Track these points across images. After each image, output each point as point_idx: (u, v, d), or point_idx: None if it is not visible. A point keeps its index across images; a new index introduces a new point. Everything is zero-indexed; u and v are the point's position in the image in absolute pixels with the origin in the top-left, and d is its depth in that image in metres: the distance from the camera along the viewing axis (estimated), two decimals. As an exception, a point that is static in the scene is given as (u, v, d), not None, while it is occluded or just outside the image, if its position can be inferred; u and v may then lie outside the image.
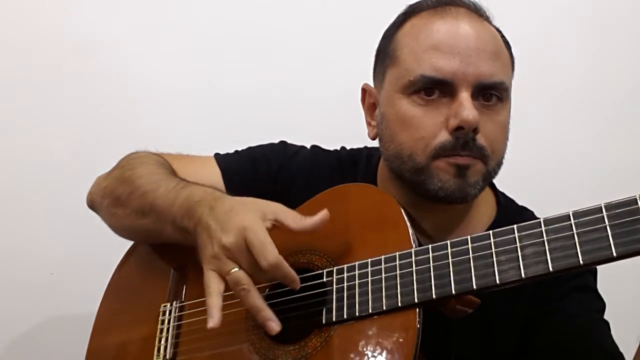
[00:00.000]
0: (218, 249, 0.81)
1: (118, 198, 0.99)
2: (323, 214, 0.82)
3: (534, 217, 0.96)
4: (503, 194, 1.01)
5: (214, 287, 0.81)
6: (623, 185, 1.35)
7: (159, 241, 1.00)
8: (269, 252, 0.78)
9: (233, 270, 0.79)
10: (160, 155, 1.06)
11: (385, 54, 0.94)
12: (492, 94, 0.87)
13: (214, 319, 0.78)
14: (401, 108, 0.88)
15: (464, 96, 0.84)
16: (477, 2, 0.92)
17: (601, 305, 0.93)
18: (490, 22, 0.92)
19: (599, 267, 0.93)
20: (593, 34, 1.59)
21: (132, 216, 0.98)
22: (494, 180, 0.99)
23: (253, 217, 0.81)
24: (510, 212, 0.98)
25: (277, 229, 0.95)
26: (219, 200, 0.86)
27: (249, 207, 0.83)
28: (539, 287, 0.90)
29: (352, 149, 1.09)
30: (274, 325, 0.78)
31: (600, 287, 0.94)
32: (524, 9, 1.55)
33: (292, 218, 0.83)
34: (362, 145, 1.09)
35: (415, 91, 0.87)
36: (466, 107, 0.83)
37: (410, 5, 0.95)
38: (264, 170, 1.04)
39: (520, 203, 1.02)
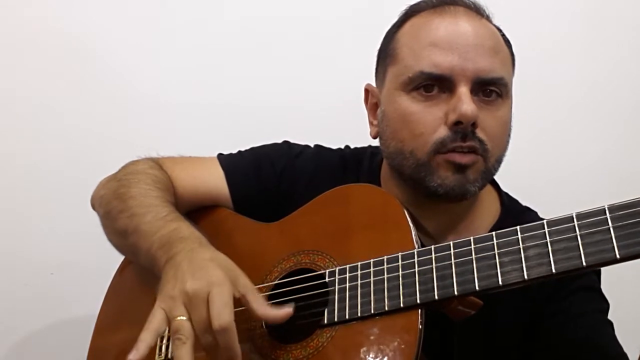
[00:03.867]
0: (178, 292, 0.78)
1: (109, 212, 0.99)
2: (287, 311, 0.80)
3: (538, 217, 0.96)
4: (507, 194, 1.01)
5: (154, 325, 0.77)
6: (627, 187, 1.35)
7: (136, 262, 0.99)
8: (226, 315, 0.75)
9: (179, 318, 0.76)
10: (160, 162, 1.06)
11: (386, 53, 0.95)
12: (492, 89, 0.87)
13: (138, 352, 0.74)
14: (401, 105, 0.89)
15: (463, 91, 0.85)
16: (477, 1, 0.93)
17: (605, 305, 0.92)
18: (489, 21, 0.93)
19: (602, 268, 0.93)
20: (594, 33, 1.59)
21: (116, 234, 0.99)
22: (499, 182, 1.00)
23: (226, 279, 0.79)
24: (514, 212, 0.98)
25: (279, 231, 0.95)
26: (204, 246, 0.85)
27: (228, 269, 0.81)
28: (542, 288, 0.90)
29: (356, 148, 1.10)
30: None
31: (604, 288, 0.94)
32: (526, 9, 1.55)
33: (258, 303, 0.80)
34: (366, 145, 1.09)
35: (415, 88, 0.88)
36: (464, 102, 0.84)
37: (411, 6, 0.96)
38: (268, 171, 1.04)
39: (524, 204, 1.01)
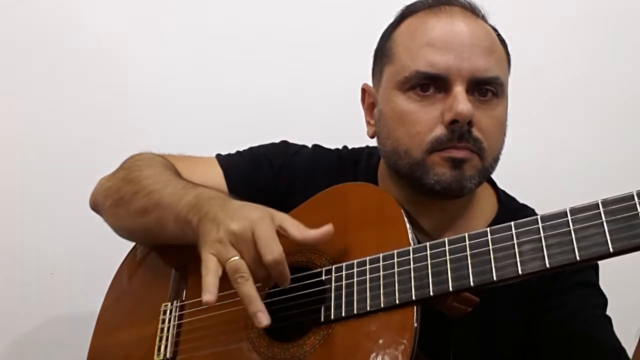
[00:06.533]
0: (224, 234, 0.79)
1: (122, 198, 0.99)
2: (328, 228, 0.82)
3: (535, 214, 0.96)
4: (504, 192, 1.02)
5: (212, 267, 0.78)
6: (623, 186, 1.35)
7: (157, 241, 1.00)
8: (276, 247, 0.77)
9: (234, 258, 0.78)
10: (163, 156, 1.07)
11: (383, 53, 0.95)
12: (487, 89, 0.88)
13: (211, 294, 0.76)
14: (397, 104, 0.89)
15: (458, 90, 0.85)
16: (473, 1, 0.94)
17: (603, 300, 0.93)
18: (485, 20, 0.94)
19: (600, 263, 0.93)
20: (589, 32, 1.59)
21: (134, 215, 0.98)
22: (495, 179, 1.00)
23: (263, 215, 0.81)
24: (511, 209, 0.98)
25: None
26: (231, 200, 0.86)
27: (260, 208, 0.83)
28: (540, 284, 0.90)
29: (353, 148, 1.10)
30: (264, 318, 0.76)
31: (601, 283, 0.94)
32: (521, 9, 1.55)
33: (297, 228, 0.82)
34: (363, 145, 1.10)
35: (411, 87, 0.88)
36: (460, 101, 0.84)
37: (407, 6, 0.96)
38: (266, 170, 1.05)
39: (521, 201, 1.02)
